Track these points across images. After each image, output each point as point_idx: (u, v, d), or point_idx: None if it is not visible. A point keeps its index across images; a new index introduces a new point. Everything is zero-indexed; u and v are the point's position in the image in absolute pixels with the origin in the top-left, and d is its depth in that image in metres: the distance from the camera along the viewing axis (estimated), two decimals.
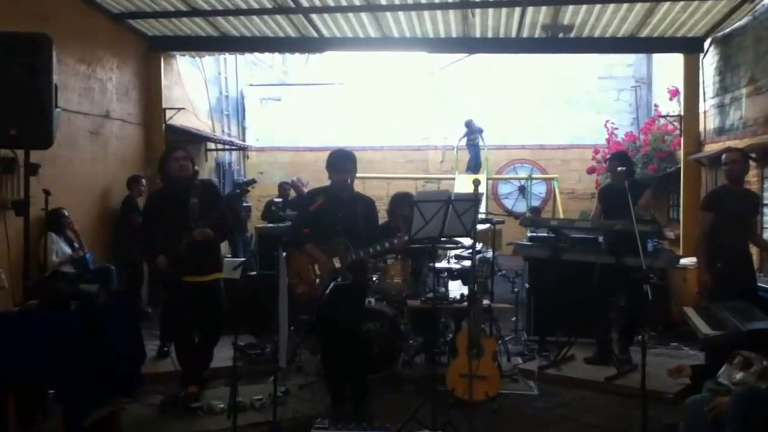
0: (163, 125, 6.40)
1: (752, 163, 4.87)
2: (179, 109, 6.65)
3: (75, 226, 4.60)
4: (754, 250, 3.93)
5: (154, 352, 3.99)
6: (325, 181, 3.22)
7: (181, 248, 3.11)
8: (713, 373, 2.43)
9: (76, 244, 4.58)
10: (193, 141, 7.60)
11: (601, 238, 4.03)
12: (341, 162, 3.08)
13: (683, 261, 4.73)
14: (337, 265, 2.98)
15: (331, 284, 2.96)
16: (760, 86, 5.08)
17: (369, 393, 3.20)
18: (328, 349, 3.19)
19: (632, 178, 3.99)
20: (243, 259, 5.06)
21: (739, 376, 2.32)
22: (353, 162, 3.12)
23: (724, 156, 3.75)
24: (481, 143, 8.85)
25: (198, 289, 3.22)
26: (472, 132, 8.77)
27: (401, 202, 3.93)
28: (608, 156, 4.48)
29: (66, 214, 4.53)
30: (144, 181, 5.49)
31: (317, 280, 3.01)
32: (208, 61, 8.24)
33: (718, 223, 3.59)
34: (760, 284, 3.80)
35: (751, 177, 5.01)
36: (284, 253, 3.04)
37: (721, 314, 2.92)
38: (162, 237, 3.23)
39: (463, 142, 8.97)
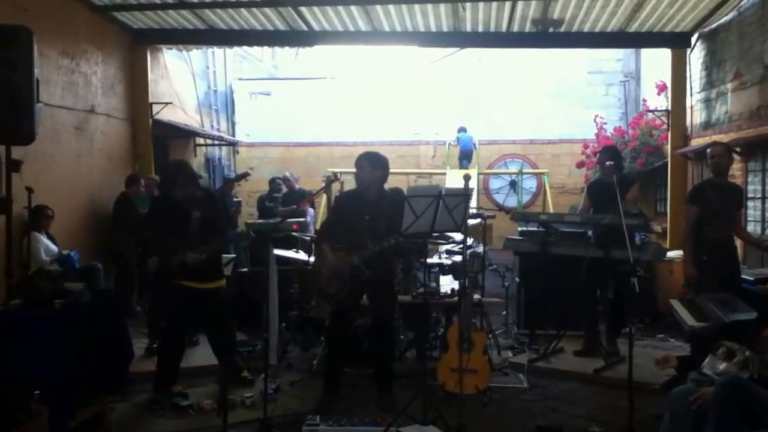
0: (150, 120, 6.31)
1: (737, 157, 4.94)
2: (166, 103, 6.56)
3: (50, 228, 4.52)
4: (738, 243, 3.99)
5: (142, 350, 3.95)
6: (316, 176, 3.23)
7: (174, 261, 3.10)
8: (698, 363, 2.47)
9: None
10: (180, 136, 7.51)
11: (590, 232, 4.06)
12: (378, 159, 3.14)
13: (669, 254, 4.80)
14: (356, 262, 3.02)
15: (351, 280, 3.02)
16: (744, 81, 5.15)
17: (393, 383, 3.25)
18: (336, 342, 3.21)
19: (621, 172, 4.01)
20: (233, 255, 5.03)
21: (722, 366, 2.36)
22: (387, 164, 3.18)
23: (708, 150, 3.80)
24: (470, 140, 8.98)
25: (195, 294, 3.19)
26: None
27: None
28: (598, 150, 4.51)
29: (50, 213, 4.46)
30: (143, 181, 5.42)
31: (341, 280, 3.06)
32: (196, 54, 8.12)
33: (703, 215, 3.64)
34: (743, 276, 3.87)
35: (736, 171, 5.09)
36: (279, 250, 3.06)
37: (705, 306, 2.97)
38: (158, 240, 3.20)
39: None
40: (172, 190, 3.18)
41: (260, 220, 6.26)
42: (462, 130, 9.05)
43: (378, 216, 3.08)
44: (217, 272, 3.32)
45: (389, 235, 2.98)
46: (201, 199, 3.21)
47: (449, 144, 9.36)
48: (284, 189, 7.03)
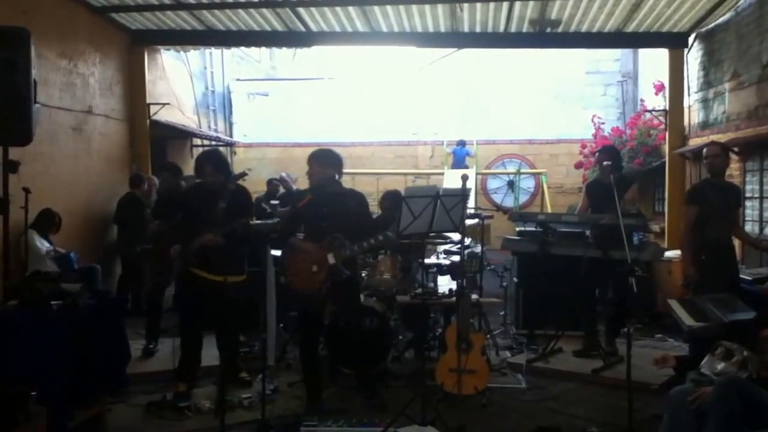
0: (148, 121, 6.30)
1: (734, 157, 4.96)
2: (164, 104, 6.56)
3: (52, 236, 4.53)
4: (736, 243, 4.00)
5: (139, 351, 3.94)
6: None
7: (193, 246, 3.13)
8: (696, 363, 2.47)
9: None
10: (178, 137, 7.51)
11: (588, 232, 4.07)
12: (326, 157, 3.14)
13: (668, 254, 4.80)
14: (331, 261, 2.98)
15: (328, 280, 2.98)
16: (742, 81, 5.16)
17: (380, 383, 3.23)
18: (309, 343, 3.19)
19: (619, 172, 4.02)
20: None
21: (720, 366, 2.36)
22: (339, 160, 3.18)
23: (705, 150, 3.81)
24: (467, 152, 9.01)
25: (207, 286, 3.18)
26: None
27: (393, 200, 3.93)
28: (596, 150, 4.49)
29: (57, 221, 4.46)
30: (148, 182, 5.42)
31: (315, 277, 3.00)
32: (194, 55, 8.11)
33: (701, 216, 3.64)
34: (742, 276, 3.87)
35: (734, 171, 5.10)
36: (276, 251, 3.03)
37: (704, 306, 2.97)
38: (184, 228, 3.24)
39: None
40: (200, 177, 3.27)
41: (258, 221, 6.24)
42: (461, 143, 9.05)
43: (341, 209, 3.06)
44: (235, 266, 3.27)
45: (362, 233, 2.97)
46: (231, 192, 3.23)
47: (446, 143, 9.37)
48: (281, 189, 7.00)
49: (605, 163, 3.90)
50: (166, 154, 7.31)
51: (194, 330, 3.31)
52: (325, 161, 3.14)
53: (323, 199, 3.08)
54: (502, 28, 5.94)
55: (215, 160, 3.32)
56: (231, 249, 3.22)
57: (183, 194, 3.56)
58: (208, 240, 3.10)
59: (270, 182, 7.09)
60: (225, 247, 3.15)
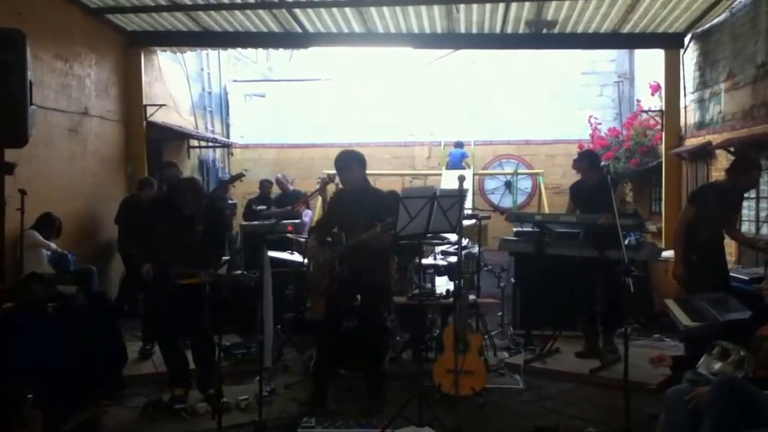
0: (144, 122, 6.28)
1: (731, 157, 4.97)
2: (160, 105, 6.54)
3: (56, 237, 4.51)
4: (732, 243, 4.02)
5: (136, 353, 3.92)
6: (311, 177, 3.27)
7: (175, 271, 3.10)
8: (693, 363, 2.48)
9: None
10: (175, 138, 7.49)
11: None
12: (339, 162, 3.24)
13: (665, 254, 4.81)
14: (330, 256, 3.09)
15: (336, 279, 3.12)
16: (737, 81, 5.18)
17: (384, 387, 3.24)
18: (325, 347, 3.20)
19: (600, 174, 4.01)
20: (227, 258, 5.01)
21: (717, 366, 2.37)
22: (346, 160, 3.24)
23: (754, 171, 3.73)
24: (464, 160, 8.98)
25: (180, 291, 3.17)
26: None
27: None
28: (577, 156, 4.40)
29: (57, 224, 4.44)
30: (156, 185, 5.40)
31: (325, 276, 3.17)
32: (190, 56, 8.09)
33: (698, 217, 3.68)
34: (736, 275, 3.89)
35: None
36: (274, 252, 3.09)
37: (700, 306, 2.99)
38: (154, 243, 3.22)
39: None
40: (182, 206, 3.25)
41: (255, 222, 6.24)
42: (458, 144, 9.04)
43: (358, 209, 3.14)
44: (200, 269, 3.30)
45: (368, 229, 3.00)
46: (205, 211, 3.27)
47: (443, 144, 9.38)
48: (274, 191, 6.96)
49: (603, 164, 3.91)
50: (163, 155, 7.28)
51: (174, 338, 3.30)
52: (336, 168, 3.28)
53: (349, 199, 3.23)
54: (498, 29, 5.95)
55: (198, 192, 3.34)
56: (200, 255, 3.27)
57: (154, 213, 3.51)
58: (204, 280, 3.13)
59: (262, 184, 7.06)
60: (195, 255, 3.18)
